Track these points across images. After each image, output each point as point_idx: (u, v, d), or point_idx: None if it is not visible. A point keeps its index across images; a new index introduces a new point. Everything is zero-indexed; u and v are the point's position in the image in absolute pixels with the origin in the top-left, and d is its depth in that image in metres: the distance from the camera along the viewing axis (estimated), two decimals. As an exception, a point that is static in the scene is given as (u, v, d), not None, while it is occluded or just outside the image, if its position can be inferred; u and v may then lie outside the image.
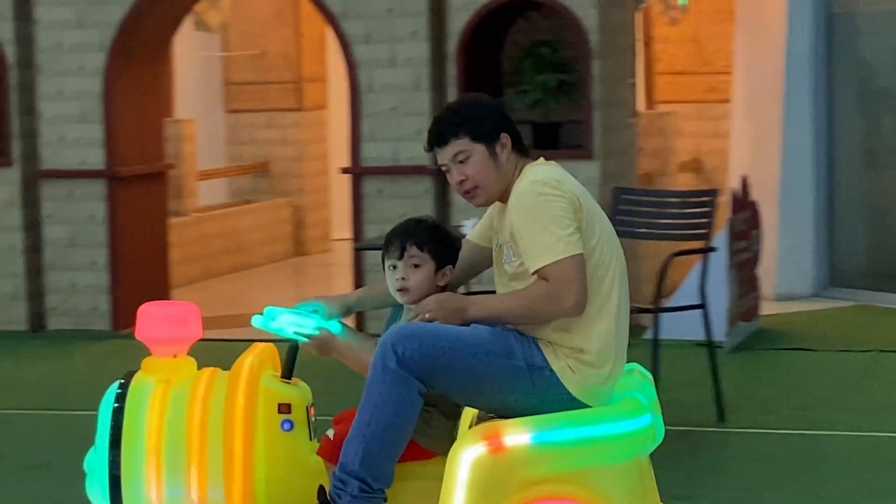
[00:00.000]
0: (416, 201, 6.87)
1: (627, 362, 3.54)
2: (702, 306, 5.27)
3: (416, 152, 6.50)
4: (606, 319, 3.29)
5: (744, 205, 6.85)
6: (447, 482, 3.19)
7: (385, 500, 3.31)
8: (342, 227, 9.17)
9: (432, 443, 3.29)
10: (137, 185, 7.46)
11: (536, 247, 3.12)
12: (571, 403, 3.24)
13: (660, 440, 3.33)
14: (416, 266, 3.26)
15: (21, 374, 6.50)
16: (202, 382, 3.49)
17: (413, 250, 3.28)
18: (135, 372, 3.49)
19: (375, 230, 6.55)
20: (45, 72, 7.18)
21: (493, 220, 3.33)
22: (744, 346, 6.66)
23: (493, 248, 3.31)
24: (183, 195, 8.97)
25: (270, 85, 10.52)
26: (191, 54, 10.11)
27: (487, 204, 3.33)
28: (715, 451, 5.35)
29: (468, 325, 3.19)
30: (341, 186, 8.52)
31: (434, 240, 3.36)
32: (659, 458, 3.40)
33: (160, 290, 7.71)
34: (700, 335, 5.37)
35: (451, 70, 7.05)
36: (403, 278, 3.27)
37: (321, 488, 3.30)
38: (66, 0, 7.11)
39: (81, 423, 5.46)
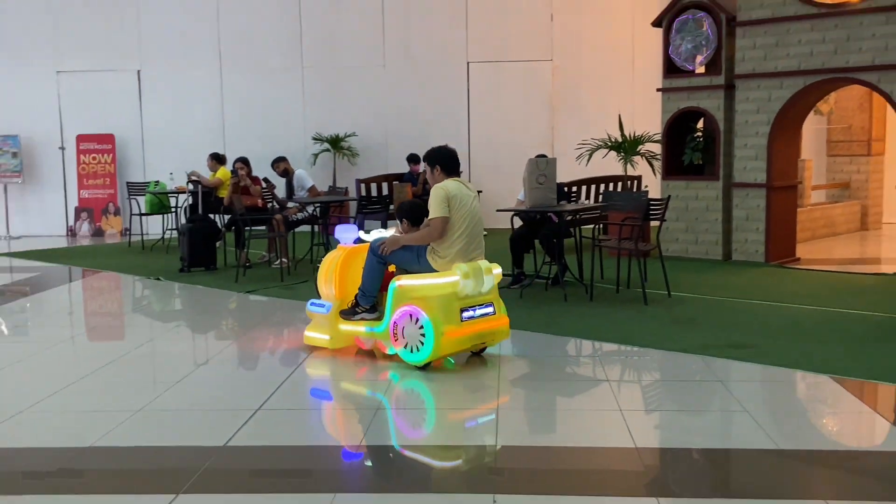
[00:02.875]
0: None
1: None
2: None
3: None
4: (450, 242, 5.26)
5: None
6: (387, 297, 5.38)
7: (374, 303, 5.51)
8: None
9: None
10: None
11: (431, 210, 5.23)
12: (435, 272, 5.28)
13: (468, 291, 5.13)
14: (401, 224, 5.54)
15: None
16: (348, 252, 5.73)
17: (404, 221, 5.54)
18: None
19: None
20: None
21: None
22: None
23: None
24: None
25: None
26: None
27: None
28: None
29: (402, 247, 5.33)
30: None
31: (409, 212, 5.52)
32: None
33: None
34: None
35: None
36: (399, 231, 5.57)
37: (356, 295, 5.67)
38: None
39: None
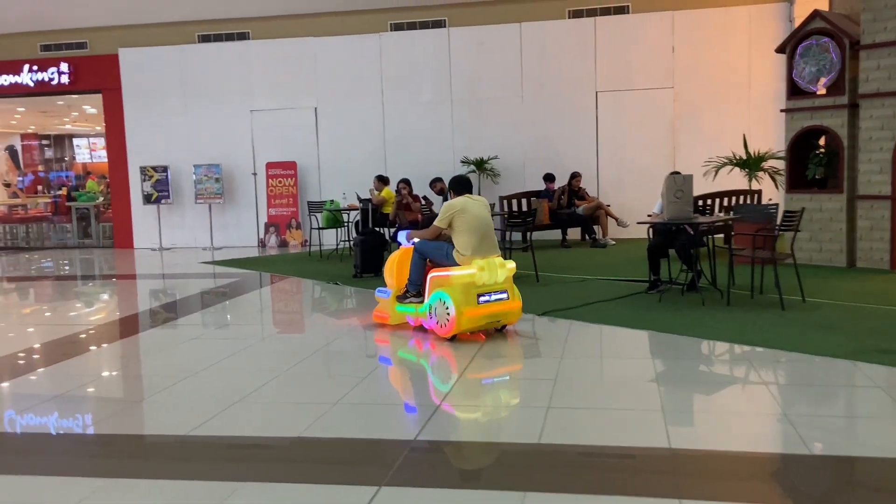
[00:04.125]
0: None
1: None
2: None
3: None
4: (464, 241, 5.77)
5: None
6: (427, 285, 5.84)
7: (420, 291, 5.94)
8: None
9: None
10: None
11: (438, 220, 5.88)
12: (457, 266, 5.81)
13: (484, 281, 5.62)
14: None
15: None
16: (404, 251, 6.21)
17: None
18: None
19: None
20: None
21: None
22: None
23: None
24: None
25: None
26: None
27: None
28: None
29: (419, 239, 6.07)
30: None
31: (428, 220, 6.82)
32: None
33: None
34: None
35: None
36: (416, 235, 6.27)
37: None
38: None
39: None
